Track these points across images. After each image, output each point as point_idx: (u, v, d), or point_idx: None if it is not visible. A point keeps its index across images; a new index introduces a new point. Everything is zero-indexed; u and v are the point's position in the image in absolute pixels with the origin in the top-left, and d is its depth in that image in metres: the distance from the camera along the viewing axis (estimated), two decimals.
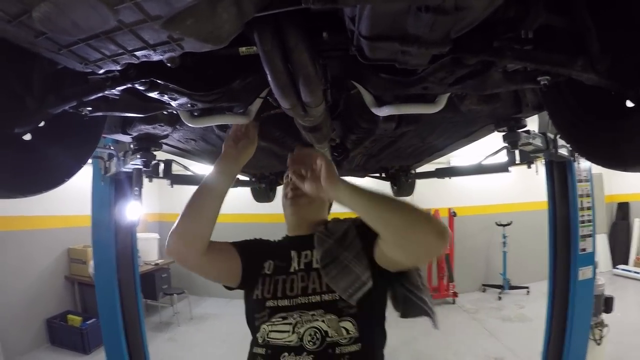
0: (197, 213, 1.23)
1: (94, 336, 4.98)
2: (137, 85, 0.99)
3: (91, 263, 4.98)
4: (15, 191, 1.17)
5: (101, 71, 0.89)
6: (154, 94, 1.04)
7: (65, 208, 5.67)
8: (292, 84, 0.97)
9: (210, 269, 1.32)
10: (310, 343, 1.11)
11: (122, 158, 2.44)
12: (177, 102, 1.11)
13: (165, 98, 1.08)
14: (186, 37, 0.70)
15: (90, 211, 3.01)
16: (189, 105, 1.15)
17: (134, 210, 2.42)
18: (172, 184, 2.62)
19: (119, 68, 0.87)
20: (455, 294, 6.64)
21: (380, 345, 1.24)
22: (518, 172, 2.38)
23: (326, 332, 1.12)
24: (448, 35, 0.73)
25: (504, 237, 6.92)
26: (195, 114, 1.33)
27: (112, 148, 2.53)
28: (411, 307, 1.29)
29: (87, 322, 5.13)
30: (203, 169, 3.17)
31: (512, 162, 2.16)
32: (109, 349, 2.99)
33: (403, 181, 3.56)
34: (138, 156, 1.97)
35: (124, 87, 1.01)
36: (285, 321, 1.17)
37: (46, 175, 1.27)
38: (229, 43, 0.74)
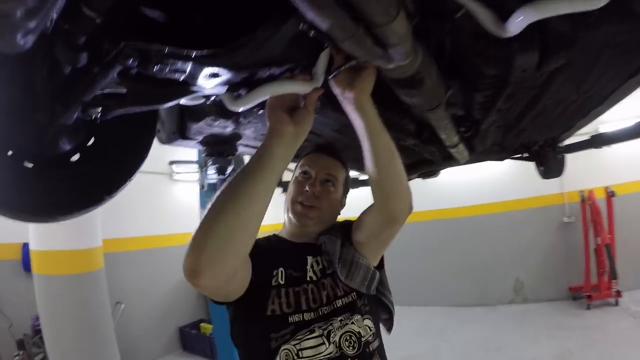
0: (241, 222, 0.87)
1: None
2: (128, 63, 0.79)
3: None
4: (45, 214, 1.11)
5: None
6: (156, 70, 0.81)
7: (190, 225, 5.97)
8: None
9: (234, 288, 1.06)
10: (350, 348, 1.10)
11: (204, 169, 2.24)
12: (192, 75, 0.86)
13: (174, 73, 0.85)
14: None
15: None
16: (211, 77, 0.88)
17: None
18: (284, 190, 2.41)
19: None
20: (618, 293, 5.29)
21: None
22: None
23: (359, 332, 1.13)
24: None
25: None
26: (242, 93, 1.02)
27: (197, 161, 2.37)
28: (382, 310, 1.32)
29: None
30: None
31: None
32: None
33: (551, 159, 2.85)
34: (210, 163, 1.74)
35: (114, 69, 0.82)
36: (314, 334, 1.09)
37: (84, 196, 1.18)
38: None
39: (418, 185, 3.02)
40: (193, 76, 0.89)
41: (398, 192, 1.12)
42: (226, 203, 0.87)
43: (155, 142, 1.50)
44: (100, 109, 0.98)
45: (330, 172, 1.31)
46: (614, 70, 1.24)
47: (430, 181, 3.49)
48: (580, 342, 4.32)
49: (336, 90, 1.02)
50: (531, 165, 3.27)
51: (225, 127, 1.48)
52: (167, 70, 0.83)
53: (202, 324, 5.88)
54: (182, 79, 0.89)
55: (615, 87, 1.43)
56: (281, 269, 1.17)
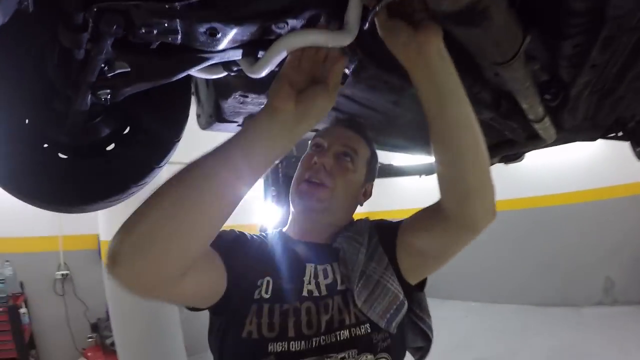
0: (186, 209, 0.66)
1: None
2: (114, 29, 0.70)
3: None
4: (79, 203, 1.14)
5: None
6: (143, 33, 0.73)
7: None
8: None
9: (182, 292, 0.80)
10: None
11: None
12: (187, 35, 0.77)
13: (165, 36, 0.76)
14: None
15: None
16: (209, 35, 0.77)
17: (270, 213, 2.08)
18: None
19: None
20: None
21: None
22: None
23: None
24: None
25: None
26: (259, 55, 0.89)
27: None
28: (415, 336, 1.04)
29: None
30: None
31: None
32: None
33: None
34: None
35: (104, 40, 0.74)
36: None
37: (112, 185, 1.16)
38: None
39: (497, 171, 2.75)
40: (190, 36, 0.78)
41: (481, 188, 0.85)
42: (173, 182, 0.67)
43: (193, 132, 1.44)
44: (108, 90, 0.91)
45: (350, 143, 1.05)
46: None
47: (510, 166, 3.15)
48: None
49: (390, 42, 0.75)
50: (626, 147, 2.87)
51: (261, 104, 1.31)
52: (156, 32, 0.74)
53: None
54: (179, 41, 0.79)
55: None
56: (268, 278, 0.92)
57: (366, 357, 0.88)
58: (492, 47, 0.85)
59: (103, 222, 4.06)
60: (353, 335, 0.89)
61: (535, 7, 0.86)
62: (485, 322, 5.39)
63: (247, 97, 1.27)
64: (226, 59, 0.93)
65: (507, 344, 4.69)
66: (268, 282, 0.91)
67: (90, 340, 4.64)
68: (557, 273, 6.00)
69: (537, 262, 6.16)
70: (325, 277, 0.96)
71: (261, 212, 2.34)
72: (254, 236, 1.05)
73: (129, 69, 0.88)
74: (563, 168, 5.88)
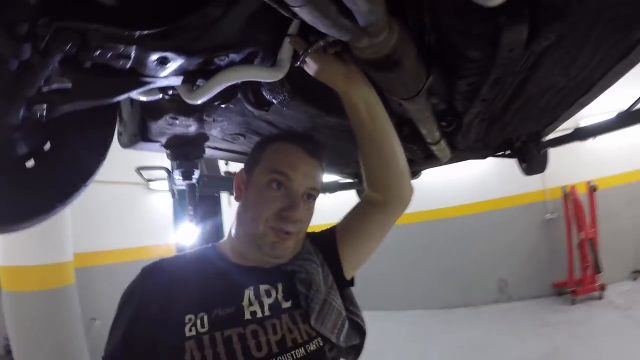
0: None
1: None
2: (66, 48, 0.71)
3: None
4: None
5: None
6: (98, 56, 0.75)
7: (169, 237, 5.95)
8: None
9: None
10: None
11: (172, 174, 2.09)
12: (138, 61, 0.79)
13: (118, 60, 0.77)
14: None
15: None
16: (159, 63, 0.80)
17: (188, 233, 2.06)
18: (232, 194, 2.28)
19: None
20: (602, 287, 5.33)
21: None
22: None
23: None
24: None
25: None
26: (200, 84, 0.94)
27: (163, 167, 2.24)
28: (351, 333, 0.98)
29: None
30: None
31: None
32: None
33: (534, 154, 2.80)
34: (175, 167, 1.60)
35: (54, 57, 0.73)
36: None
37: (32, 205, 1.06)
38: None
39: None
40: (140, 62, 0.81)
41: (406, 168, 1.04)
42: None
43: (129, 151, 1.39)
44: (44, 105, 0.87)
45: (315, 184, 0.97)
46: (605, 50, 1.16)
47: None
48: (566, 338, 4.28)
49: (322, 73, 0.91)
50: (512, 163, 3.23)
51: (188, 127, 1.35)
52: (109, 55, 0.76)
53: None
54: (128, 66, 0.80)
55: (604, 72, 1.35)
56: (202, 313, 0.84)
57: None
58: (401, 86, 1.00)
59: (2, 246, 3.70)
60: (307, 351, 0.87)
61: (438, 54, 1.02)
62: (393, 328, 5.59)
63: (177, 119, 1.28)
64: (165, 84, 0.96)
65: (415, 347, 4.94)
66: (202, 316, 0.84)
67: None
68: (456, 278, 6.48)
69: (438, 269, 6.61)
70: (268, 296, 0.91)
71: (177, 231, 2.30)
72: (166, 261, 0.97)
73: (69, 86, 0.86)
74: (458, 183, 6.43)
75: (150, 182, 5.65)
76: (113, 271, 5.27)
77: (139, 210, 5.84)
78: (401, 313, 6.38)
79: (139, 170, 2.43)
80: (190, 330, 0.82)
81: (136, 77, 0.87)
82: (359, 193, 3.73)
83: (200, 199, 2.39)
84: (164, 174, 2.65)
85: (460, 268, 6.47)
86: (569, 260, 5.67)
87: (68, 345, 3.78)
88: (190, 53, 0.80)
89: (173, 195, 2.48)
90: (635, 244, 5.96)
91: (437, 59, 1.04)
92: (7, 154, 0.98)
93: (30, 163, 1.05)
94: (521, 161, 3.09)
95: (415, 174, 3.20)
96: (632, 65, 1.29)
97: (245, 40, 0.82)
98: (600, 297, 5.36)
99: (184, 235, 2.26)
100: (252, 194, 0.94)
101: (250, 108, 1.18)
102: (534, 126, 2.33)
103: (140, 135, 1.37)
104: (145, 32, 0.72)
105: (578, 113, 1.89)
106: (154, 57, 0.79)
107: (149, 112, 1.29)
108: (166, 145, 1.50)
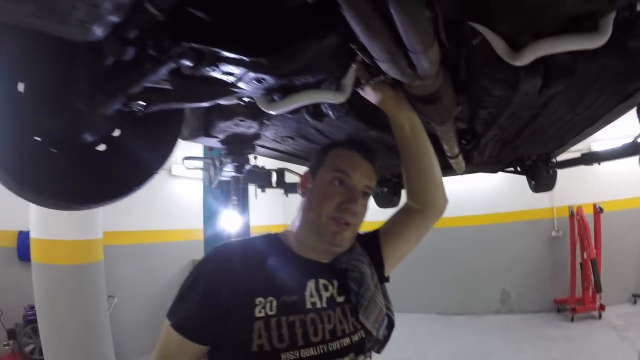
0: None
1: None
2: (182, 62, 0.84)
3: None
4: (75, 201, 1.12)
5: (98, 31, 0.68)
6: (206, 70, 0.89)
7: (188, 222, 6.10)
8: (388, 24, 0.66)
9: None
10: None
11: (219, 166, 2.33)
12: (237, 78, 0.95)
13: (222, 75, 0.92)
14: None
15: (202, 225, 3.03)
16: (254, 82, 0.97)
17: (232, 221, 2.29)
18: (286, 193, 2.52)
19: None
20: (602, 307, 5.47)
21: None
22: None
23: None
24: None
25: None
26: (275, 98, 1.15)
27: (211, 157, 2.47)
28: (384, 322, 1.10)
29: None
30: None
31: None
32: None
33: (543, 173, 2.98)
34: (229, 161, 1.83)
35: (167, 67, 0.86)
36: None
37: (113, 186, 1.20)
38: None
39: None
40: (240, 79, 0.97)
41: (441, 180, 1.21)
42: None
43: None
44: (141, 102, 1.01)
45: (370, 183, 1.07)
46: (607, 95, 1.38)
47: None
48: (563, 352, 4.40)
49: (379, 97, 1.11)
50: (523, 179, 3.39)
51: (250, 128, 1.56)
52: (217, 71, 0.91)
53: None
54: (229, 80, 0.98)
55: (606, 111, 1.57)
56: (270, 298, 0.94)
57: (361, 358, 1.01)
58: (436, 115, 1.22)
59: (35, 219, 3.76)
60: (352, 341, 0.99)
61: (467, 88, 1.25)
62: (396, 329, 5.69)
63: (244, 121, 1.48)
64: (249, 95, 1.15)
65: (418, 348, 5.12)
66: (271, 301, 0.94)
67: (7, 347, 4.13)
68: (460, 285, 6.64)
69: (443, 275, 6.78)
70: (325, 290, 1.02)
71: (223, 219, 2.52)
72: (236, 246, 1.07)
73: (169, 88, 0.99)
74: (469, 194, 6.53)
75: (173, 168, 5.71)
76: (131, 251, 5.47)
77: (160, 194, 5.89)
78: (403, 315, 6.49)
79: (185, 159, 2.65)
80: (260, 312, 0.92)
81: (229, 87, 1.03)
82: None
83: (244, 190, 2.65)
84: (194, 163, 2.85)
85: (465, 276, 6.62)
86: (572, 278, 5.78)
87: (92, 320, 3.83)
88: (281, 76, 0.99)
89: (210, 183, 2.72)
90: (636, 268, 6.06)
91: (465, 92, 1.27)
92: (78, 138, 1.07)
93: (101, 147, 1.16)
94: (530, 179, 3.26)
95: None
96: (630, 107, 1.52)
97: (322, 67, 1.02)
98: (599, 317, 5.48)
99: (229, 223, 2.48)
100: (316, 191, 1.04)
101: (307, 117, 1.37)
102: (544, 149, 2.53)
103: (204, 131, 1.55)
104: (256, 59, 0.88)
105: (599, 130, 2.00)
106: (254, 76, 0.96)
107: (220, 113, 1.47)
108: (223, 141, 1.72)
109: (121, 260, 5.29)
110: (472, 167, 2.68)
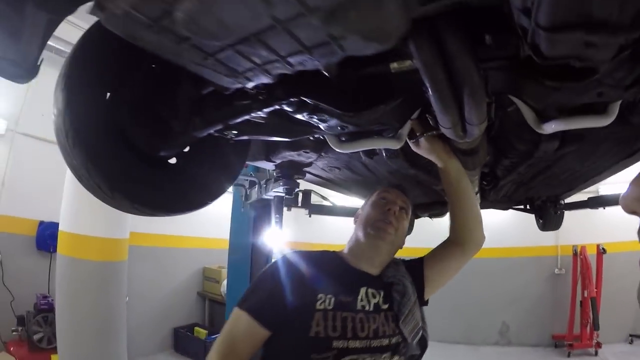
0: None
1: None
2: (285, 107, 0.96)
3: (224, 283, 5.67)
4: (159, 209, 1.21)
5: (250, 85, 0.88)
6: (302, 116, 1.02)
7: (203, 231, 6.29)
8: (455, 97, 0.87)
9: None
10: None
11: (264, 185, 2.53)
12: (326, 124, 1.09)
13: (315, 120, 1.05)
14: (348, 35, 0.64)
15: (229, 236, 3.24)
16: (338, 128, 1.12)
17: (273, 237, 2.49)
18: (310, 213, 2.65)
19: (269, 81, 0.84)
20: (598, 345, 5.59)
21: None
22: None
23: None
24: (639, 16, 0.57)
25: None
26: (343, 138, 1.29)
27: (252, 176, 2.70)
28: (416, 345, 1.30)
29: (212, 336, 5.38)
30: (342, 199, 3.13)
31: None
32: None
33: (551, 214, 3.19)
34: (281, 184, 1.96)
35: (271, 108, 0.98)
36: None
37: (190, 198, 1.30)
38: (391, 45, 0.68)
39: (421, 223, 3.34)
40: (328, 125, 1.10)
41: (480, 217, 1.38)
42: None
43: None
44: (236, 131, 1.13)
45: (405, 203, 1.35)
46: (613, 152, 1.64)
47: (434, 220, 3.82)
48: None
49: (423, 152, 1.31)
50: (531, 217, 3.58)
51: (308, 158, 1.71)
52: (312, 118, 1.04)
53: (197, 328, 6.00)
54: (318, 124, 1.09)
55: (612, 164, 1.83)
56: (330, 295, 1.16)
57: (396, 358, 1.19)
58: (470, 163, 1.43)
59: (66, 213, 3.78)
60: (390, 342, 1.18)
61: (496, 141, 1.51)
62: None
63: (307, 153, 1.62)
64: (323, 134, 1.25)
65: None
66: (330, 298, 1.15)
67: (14, 333, 4.14)
68: (461, 315, 6.71)
69: (444, 304, 6.64)
70: (374, 298, 1.22)
71: (269, 234, 2.70)
72: (313, 253, 1.31)
73: (261, 122, 1.09)
74: None
75: None
76: (147, 254, 5.58)
77: None
78: None
79: None
80: (320, 305, 1.13)
81: (313, 127, 1.14)
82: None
83: (266, 207, 2.84)
84: None
85: (467, 307, 6.69)
86: (571, 315, 5.91)
87: (111, 317, 3.83)
88: (379, 125, 1.14)
89: (246, 199, 2.94)
90: (635, 309, 6.08)
91: (494, 145, 1.53)
92: (156, 151, 1.14)
93: (172, 160, 1.25)
94: (538, 217, 3.44)
95: (442, 213, 3.45)
96: (635, 161, 1.75)
97: (387, 121, 1.16)
98: (595, 354, 5.61)
99: (269, 239, 2.69)
100: (366, 209, 1.36)
101: (362, 154, 1.55)
102: (554, 191, 2.76)
103: (264, 156, 1.69)
104: (346, 112, 1.00)
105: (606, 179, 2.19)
106: (339, 123, 1.07)
107: (288, 144, 1.58)
108: (279, 165, 1.83)
109: (135, 261, 5.20)
110: (486, 203, 2.82)
